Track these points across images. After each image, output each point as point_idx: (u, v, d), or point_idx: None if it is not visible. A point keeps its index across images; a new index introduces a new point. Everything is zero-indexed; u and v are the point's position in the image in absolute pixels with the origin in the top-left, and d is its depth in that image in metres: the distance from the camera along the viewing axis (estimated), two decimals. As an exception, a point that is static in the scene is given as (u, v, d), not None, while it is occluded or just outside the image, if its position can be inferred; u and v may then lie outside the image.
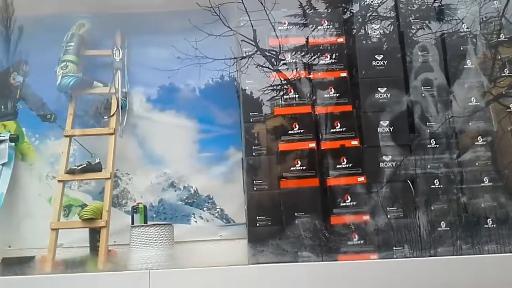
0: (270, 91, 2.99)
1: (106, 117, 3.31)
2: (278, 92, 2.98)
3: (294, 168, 2.78)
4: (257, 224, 2.77)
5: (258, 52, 3.05)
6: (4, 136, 3.35)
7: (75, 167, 3.10)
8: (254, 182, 2.85)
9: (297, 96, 2.91)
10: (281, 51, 3.03)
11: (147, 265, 2.63)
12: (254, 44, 3.07)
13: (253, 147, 2.92)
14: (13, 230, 3.29)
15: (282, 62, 3.02)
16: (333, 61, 2.96)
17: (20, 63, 3.60)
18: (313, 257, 2.60)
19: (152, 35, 3.59)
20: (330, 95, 2.89)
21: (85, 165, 3.11)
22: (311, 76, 2.95)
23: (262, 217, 2.77)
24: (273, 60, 3.04)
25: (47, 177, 3.42)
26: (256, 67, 3.03)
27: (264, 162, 2.89)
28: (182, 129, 3.49)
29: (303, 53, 3.02)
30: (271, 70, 3.01)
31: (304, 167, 2.78)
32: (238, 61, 3.18)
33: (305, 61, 2.99)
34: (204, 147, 3.46)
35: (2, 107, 3.55)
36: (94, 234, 3.03)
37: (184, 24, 3.36)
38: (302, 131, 2.83)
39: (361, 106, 2.85)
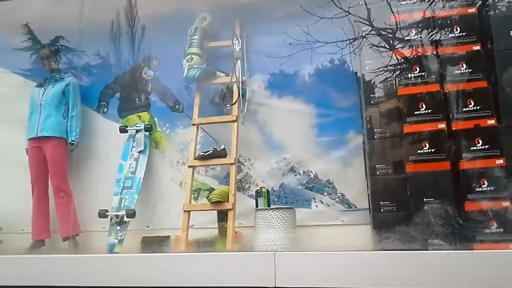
0: (387, 71, 2.85)
1: (228, 105, 3.45)
2: (399, 71, 2.82)
3: (422, 151, 2.62)
4: (381, 210, 2.68)
5: (373, 32, 2.92)
6: (139, 126, 3.69)
7: (203, 153, 3.28)
8: (377, 166, 2.76)
9: (423, 74, 2.72)
10: (400, 28, 2.86)
11: (272, 247, 2.70)
12: (368, 23, 2.94)
13: (375, 129, 2.82)
14: (150, 212, 3.63)
15: (403, 39, 2.85)
16: (463, 33, 2.72)
17: (150, 58, 3.92)
18: (445, 246, 2.44)
19: (266, 23, 3.64)
20: (462, 71, 2.66)
21: (211, 151, 3.28)
22: (438, 51, 2.74)
23: (386, 202, 2.68)
24: (390, 38, 2.88)
25: (177, 163, 3.69)
26: (370, 47, 2.91)
27: (388, 145, 2.78)
28: (300, 114, 3.50)
29: (428, 28, 2.81)
30: (387, 50, 2.86)
31: (432, 150, 2.61)
32: (352, 42, 3.08)
33: (432, 36, 2.78)
34: (322, 131, 3.43)
35: (137, 99, 3.90)
36: (222, 216, 3.20)
37: (296, 10, 3.36)
38: (429, 111, 2.65)
39: (497, 81, 2.58)
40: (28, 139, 3.70)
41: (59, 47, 4.12)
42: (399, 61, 2.83)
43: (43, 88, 3.78)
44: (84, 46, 4.00)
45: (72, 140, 3.66)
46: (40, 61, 3.98)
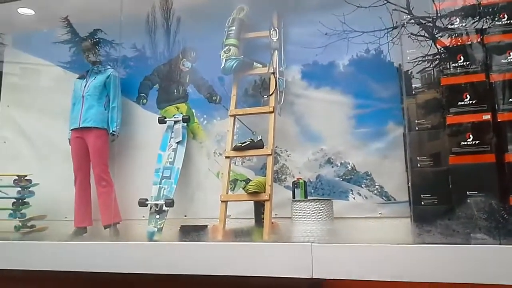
0: (429, 61, 2.77)
1: (265, 96, 3.44)
2: (441, 61, 2.74)
3: (465, 143, 2.54)
4: (422, 203, 2.62)
5: (413, 20, 2.84)
6: (178, 117, 3.74)
7: (240, 144, 3.30)
8: (418, 158, 2.69)
9: (467, 63, 2.63)
10: (441, 16, 2.77)
11: (309, 238, 2.69)
12: (408, 12, 2.86)
13: (416, 121, 2.75)
14: (188, 201, 3.69)
15: (445, 28, 2.75)
16: (511, 21, 2.60)
17: (188, 50, 3.96)
18: (488, 240, 2.35)
19: (302, 14, 3.61)
20: (509, 60, 2.55)
21: (248, 142, 3.29)
22: (483, 40, 2.64)
23: (427, 195, 2.62)
24: (431, 27, 2.79)
25: (214, 153, 3.74)
26: (408, 36, 2.83)
27: (429, 137, 2.71)
28: (338, 105, 3.47)
29: (473, 16, 2.71)
30: (428, 39, 2.77)
31: (477, 142, 2.52)
32: (390, 32, 3.00)
33: (476, 24, 2.68)
34: (360, 122, 3.39)
35: (175, 91, 3.96)
36: (259, 207, 3.22)
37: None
38: (474, 101, 2.56)
39: (548, 70, 2.47)
40: (71, 130, 3.82)
41: (98, 39, 4.23)
42: (440, 50, 2.73)
43: (84, 80, 3.89)
44: (120, 38, 4.09)
45: (113, 131, 3.76)
46: (81, 53, 4.09)
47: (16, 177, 3.82)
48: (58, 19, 4.34)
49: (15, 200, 3.79)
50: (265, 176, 3.21)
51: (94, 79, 3.86)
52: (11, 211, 3.78)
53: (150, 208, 3.44)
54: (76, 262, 2.78)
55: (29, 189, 3.85)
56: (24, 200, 3.82)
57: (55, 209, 3.88)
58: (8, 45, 4.70)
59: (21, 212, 3.78)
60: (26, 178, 3.84)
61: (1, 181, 3.94)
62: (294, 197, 3.13)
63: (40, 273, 2.80)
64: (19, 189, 3.81)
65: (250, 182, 3.26)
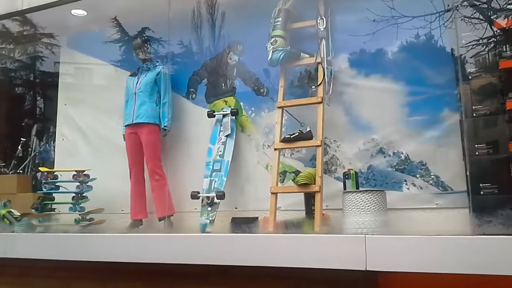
0: (485, 44, 2.63)
1: (313, 86, 3.39)
2: (499, 44, 2.60)
3: (527, 129, 2.41)
4: (481, 192, 2.52)
5: (465, 3, 2.70)
6: (226, 111, 3.77)
7: (288, 136, 3.28)
8: (476, 146, 2.58)
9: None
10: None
11: (362, 230, 2.65)
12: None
13: (473, 107, 2.63)
14: (238, 193, 3.73)
15: (502, 8, 2.61)
16: None
17: (235, 43, 3.97)
18: (555, 230, 2.23)
19: (350, 1, 3.53)
20: None
21: (297, 133, 3.26)
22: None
23: (487, 184, 2.52)
24: (486, 9, 2.65)
25: (263, 146, 3.75)
26: (461, 19, 2.69)
27: (488, 124, 2.59)
28: (389, 93, 3.36)
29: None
30: (482, 21, 2.64)
31: (540, 128, 2.38)
32: (442, 15, 2.88)
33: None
34: (414, 110, 3.26)
35: (223, 85, 4.00)
36: (309, 199, 3.20)
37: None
38: (537, 85, 2.42)
39: None
40: (125, 126, 3.95)
41: (147, 37, 4.33)
42: (497, 32, 2.59)
43: (136, 77, 4.00)
44: (169, 35, 4.15)
45: (165, 126, 3.86)
46: (131, 52, 4.22)
47: (75, 172, 4.00)
48: (107, 19, 4.49)
49: (74, 195, 3.96)
50: (315, 167, 3.17)
51: (145, 76, 3.96)
52: (71, 205, 3.96)
53: (202, 200, 3.50)
54: (132, 253, 2.89)
55: (87, 184, 4.01)
56: (83, 194, 3.99)
57: (112, 203, 4.02)
58: (62, 47, 4.93)
59: (80, 205, 3.95)
60: (84, 173, 4.00)
61: (61, 176, 4.14)
62: (345, 188, 3.08)
63: (98, 264, 2.92)
64: (78, 184, 3.99)
65: (300, 174, 3.24)
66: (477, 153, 2.57)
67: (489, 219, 2.40)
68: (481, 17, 2.69)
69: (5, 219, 3.72)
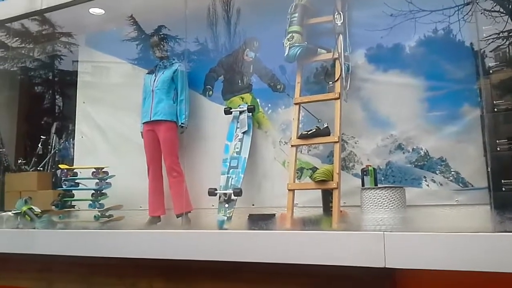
0: (503, 38, 2.58)
1: (330, 82, 3.37)
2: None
3: (552, 124, 2.35)
4: (503, 189, 2.47)
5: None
6: (243, 108, 3.78)
7: (306, 132, 3.26)
8: (498, 141, 2.53)
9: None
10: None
11: (381, 227, 2.62)
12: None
13: (495, 101, 2.58)
14: (255, 190, 3.73)
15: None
16: None
17: (251, 40, 3.97)
18: None
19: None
20: None
21: (314, 130, 3.24)
22: None
23: (509, 181, 2.46)
24: (505, 1, 2.59)
25: (280, 142, 3.74)
26: (481, 13, 2.64)
27: (510, 118, 2.54)
28: (408, 88, 3.32)
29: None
30: (503, 14, 2.58)
31: None
32: (461, 9, 2.82)
33: None
34: (433, 105, 3.21)
35: (239, 81, 4.00)
36: (327, 195, 3.18)
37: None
38: (561, 79, 2.36)
39: None
40: (143, 123, 3.98)
41: (164, 35, 4.35)
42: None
43: (153, 75, 4.02)
44: (183, 33, 4.18)
45: (182, 123, 3.87)
46: (148, 50, 4.24)
47: (94, 170, 4.05)
48: (124, 17, 4.53)
49: (93, 191, 4.01)
50: (332, 164, 3.15)
51: (162, 73, 3.98)
52: (91, 202, 4.01)
53: (219, 197, 3.51)
54: (150, 249, 2.90)
55: (106, 181, 4.06)
56: (102, 191, 4.03)
57: (130, 199, 4.07)
58: (81, 45, 4.98)
59: (100, 202, 4.00)
60: (103, 170, 4.05)
61: (80, 173, 4.20)
62: (363, 185, 3.05)
63: (117, 260, 2.95)
64: (97, 181, 4.03)
65: (318, 170, 3.22)
66: (498, 148, 2.53)
67: (511, 216, 2.36)
68: (501, 10, 2.63)
69: (26, 216, 3.78)
